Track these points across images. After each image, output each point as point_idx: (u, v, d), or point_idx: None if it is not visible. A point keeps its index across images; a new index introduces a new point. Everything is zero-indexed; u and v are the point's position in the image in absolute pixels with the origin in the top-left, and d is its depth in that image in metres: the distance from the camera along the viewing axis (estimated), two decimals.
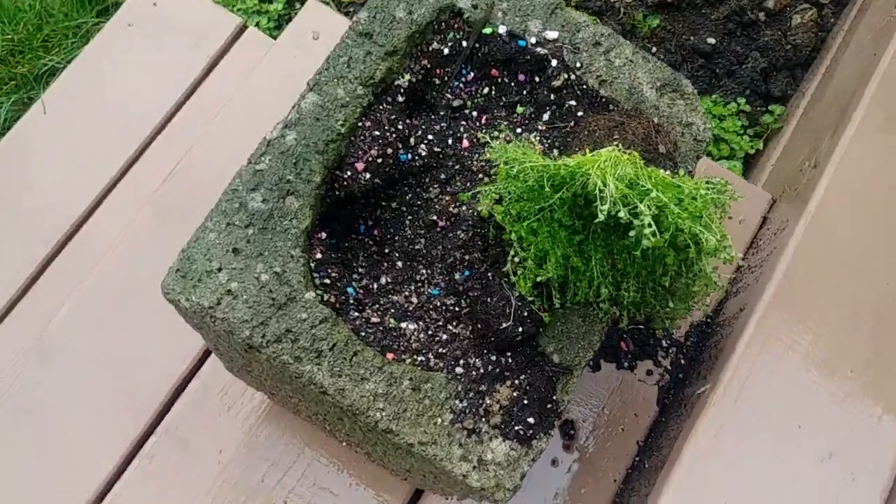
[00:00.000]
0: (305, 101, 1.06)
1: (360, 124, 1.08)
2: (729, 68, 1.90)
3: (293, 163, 1.03)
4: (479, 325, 1.01)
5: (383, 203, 1.13)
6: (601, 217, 0.86)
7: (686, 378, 1.39)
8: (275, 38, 2.07)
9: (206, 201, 1.02)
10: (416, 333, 1.06)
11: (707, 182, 0.92)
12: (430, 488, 1.29)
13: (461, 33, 1.12)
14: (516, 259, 1.00)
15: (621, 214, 0.88)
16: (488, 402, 1.00)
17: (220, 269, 0.98)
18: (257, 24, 2.06)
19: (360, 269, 1.11)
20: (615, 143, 0.98)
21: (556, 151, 1.08)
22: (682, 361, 1.41)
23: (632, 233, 0.89)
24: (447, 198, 1.11)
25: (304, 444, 1.35)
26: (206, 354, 1.43)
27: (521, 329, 0.99)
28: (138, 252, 1.50)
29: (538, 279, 0.98)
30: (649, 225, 0.87)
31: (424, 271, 1.12)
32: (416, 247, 1.12)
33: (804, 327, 1.13)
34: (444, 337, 1.06)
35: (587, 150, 0.94)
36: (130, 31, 1.73)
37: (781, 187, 1.52)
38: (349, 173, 1.06)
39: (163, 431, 1.37)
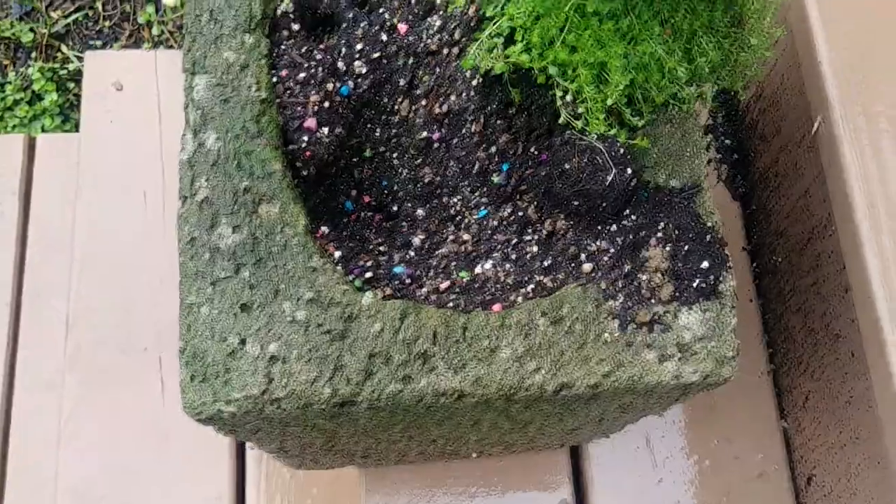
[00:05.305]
0: (197, 91, 0.76)
1: (275, 79, 0.79)
2: None
3: (235, 165, 0.74)
4: (580, 202, 0.75)
5: (354, 161, 0.85)
6: None
7: (745, 154, 1.17)
8: (68, 130, 1.73)
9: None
10: (499, 268, 0.79)
11: None
12: (603, 433, 1.03)
13: None
14: (567, 98, 0.74)
15: None
16: (645, 277, 0.75)
17: (243, 341, 0.69)
18: (43, 130, 1.71)
19: (380, 250, 0.83)
20: None
21: None
22: (728, 141, 1.19)
23: None
24: (423, 101, 0.84)
25: (429, 487, 1.07)
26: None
27: (630, 171, 0.74)
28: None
29: (608, 103, 0.73)
30: None
31: (454, 200, 0.85)
32: (425, 181, 0.85)
33: None
34: (535, 249, 0.80)
35: None
36: None
37: None
38: (305, 138, 0.77)
39: None
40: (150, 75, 1.41)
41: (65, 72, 1.73)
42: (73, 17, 1.77)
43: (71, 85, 1.73)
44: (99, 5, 1.78)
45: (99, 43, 1.77)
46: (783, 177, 1.02)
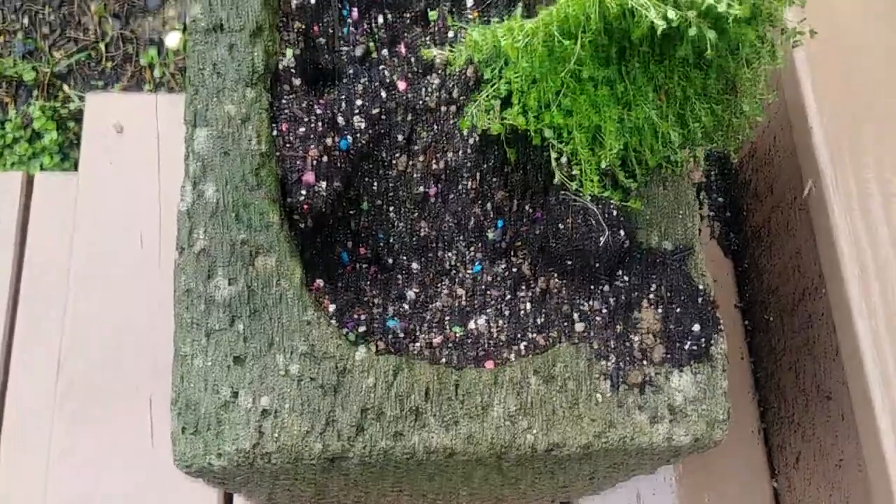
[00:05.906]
0: (197, 142, 0.77)
1: (276, 133, 0.80)
2: None
3: (234, 217, 0.74)
4: (574, 261, 0.76)
5: (351, 212, 0.86)
6: (660, 24, 0.63)
7: (738, 211, 1.19)
8: (67, 169, 1.74)
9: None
10: (493, 324, 0.80)
11: None
12: (594, 490, 1.02)
13: None
14: (562, 160, 0.75)
15: (670, 15, 0.65)
16: (637, 338, 0.75)
17: (235, 394, 0.69)
18: (41, 168, 1.72)
19: (374, 302, 0.84)
20: None
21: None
22: (721, 198, 1.20)
23: (692, 31, 0.66)
24: (421, 157, 0.85)
25: None
26: None
27: (623, 233, 0.75)
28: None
29: (602, 165, 0.74)
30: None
31: (449, 255, 0.85)
32: (421, 234, 0.86)
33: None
34: (529, 306, 0.80)
35: None
36: None
37: None
38: (304, 192, 0.78)
39: None
40: (150, 118, 1.42)
41: (66, 111, 1.75)
42: (76, 57, 1.79)
43: (71, 124, 1.75)
44: (102, 46, 1.80)
45: (101, 83, 1.79)
46: (775, 236, 1.04)
